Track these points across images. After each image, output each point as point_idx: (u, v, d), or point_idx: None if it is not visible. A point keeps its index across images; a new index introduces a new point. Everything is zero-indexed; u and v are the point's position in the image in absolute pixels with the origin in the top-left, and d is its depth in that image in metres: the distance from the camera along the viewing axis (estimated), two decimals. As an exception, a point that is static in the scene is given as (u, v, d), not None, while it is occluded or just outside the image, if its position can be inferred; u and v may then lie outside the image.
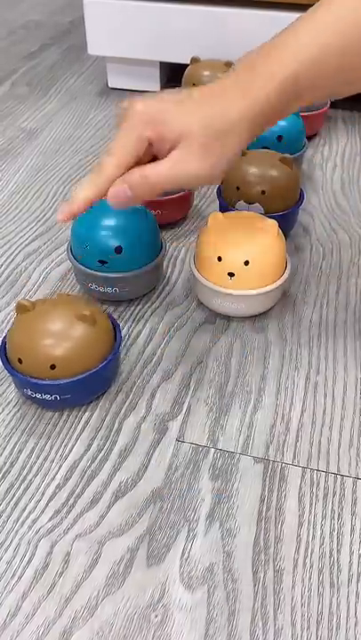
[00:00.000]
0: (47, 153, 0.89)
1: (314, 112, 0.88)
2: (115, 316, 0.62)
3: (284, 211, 0.67)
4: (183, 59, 0.93)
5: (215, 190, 0.72)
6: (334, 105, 0.98)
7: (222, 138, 0.45)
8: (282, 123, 0.76)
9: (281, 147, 0.76)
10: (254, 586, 0.42)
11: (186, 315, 0.63)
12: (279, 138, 0.75)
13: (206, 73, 0.89)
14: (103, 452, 0.50)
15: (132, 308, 0.63)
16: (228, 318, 0.62)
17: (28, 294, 0.65)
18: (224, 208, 0.69)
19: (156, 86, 1.04)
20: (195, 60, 0.91)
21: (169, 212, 0.72)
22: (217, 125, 0.44)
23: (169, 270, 0.68)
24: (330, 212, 0.77)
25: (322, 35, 0.44)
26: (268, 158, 0.68)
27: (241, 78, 0.45)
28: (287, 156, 0.67)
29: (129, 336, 0.60)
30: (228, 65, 0.89)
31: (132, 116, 0.45)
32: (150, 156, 0.46)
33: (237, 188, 0.67)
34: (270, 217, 0.60)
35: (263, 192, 0.66)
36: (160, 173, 0.45)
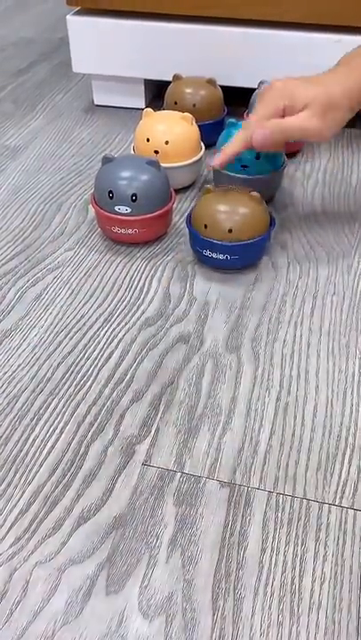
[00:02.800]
0: (29, 171, 0.89)
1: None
2: (89, 335, 0.62)
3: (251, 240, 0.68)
4: (167, 76, 0.93)
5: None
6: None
7: (333, 108, 0.65)
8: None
9: (259, 164, 0.76)
10: (213, 615, 0.42)
11: (159, 334, 0.63)
12: (257, 156, 0.75)
13: (188, 90, 0.89)
14: (68, 477, 0.50)
15: (107, 327, 0.63)
16: (201, 339, 0.62)
17: (1, 314, 0.65)
18: (194, 235, 0.69)
19: (142, 103, 1.04)
20: (177, 78, 0.91)
21: (147, 230, 0.72)
22: (329, 100, 0.64)
23: (145, 289, 0.68)
24: (309, 229, 0.77)
25: None
26: (237, 196, 0.68)
27: (341, 69, 0.67)
28: (255, 194, 0.67)
29: (101, 357, 0.60)
30: (210, 82, 0.90)
31: (273, 89, 0.66)
32: None
33: (205, 226, 0.68)
34: (236, 245, 0.67)
35: (230, 230, 0.66)
36: (291, 123, 0.65)
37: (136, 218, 0.70)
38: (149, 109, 0.81)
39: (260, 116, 0.66)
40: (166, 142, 0.78)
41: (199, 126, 0.82)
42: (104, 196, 0.70)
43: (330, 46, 0.87)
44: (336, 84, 0.65)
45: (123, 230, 0.72)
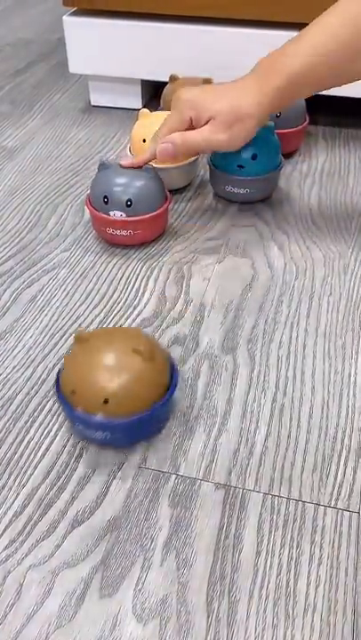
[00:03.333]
0: (26, 172, 0.89)
1: (293, 129, 0.88)
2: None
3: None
4: (164, 76, 0.93)
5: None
6: (315, 121, 0.98)
7: (242, 119, 0.65)
8: (257, 140, 0.76)
9: (256, 165, 0.75)
10: (208, 617, 0.42)
11: (155, 335, 0.62)
12: (254, 156, 0.75)
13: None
14: (62, 479, 0.50)
15: (103, 327, 0.63)
16: (197, 341, 0.62)
17: (-3, 316, 0.65)
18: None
19: (139, 104, 1.04)
20: (173, 78, 0.91)
21: (141, 231, 0.72)
22: (238, 110, 0.64)
23: (141, 290, 0.68)
24: (305, 230, 0.77)
25: (316, 46, 0.63)
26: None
27: (257, 78, 0.65)
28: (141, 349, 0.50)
29: (96, 358, 0.60)
30: (207, 82, 0.89)
31: (181, 101, 0.67)
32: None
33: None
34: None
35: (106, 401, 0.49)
36: (195, 137, 0.66)
37: (131, 219, 0.70)
38: (145, 110, 0.81)
39: (167, 129, 0.68)
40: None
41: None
42: (99, 200, 0.70)
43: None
44: (246, 95, 0.64)
45: (117, 232, 0.71)
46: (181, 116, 0.67)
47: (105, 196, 0.70)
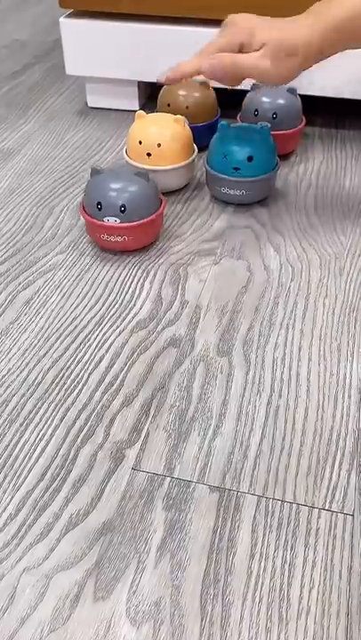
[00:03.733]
0: (22, 174, 0.89)
1: (290, 130, 0.88)
2: (80, 338, 0.62)
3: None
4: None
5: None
6: (311, 123, 0.98)
7: (288, 54, 0.64)
8: (253, 142, 0.76)
9: (251, 166, 0.75)
10: (201, 620, 0.42)
11: (151, 338, 0.63)
12: (250, 158, 0.75)
13: (181, 92, 0.89)
14: (57, 482, 0.50)
15: (98, 331, 0.63)
16: (192, 342, 0.62)
17: (-8, 319, 0.65)
18: None
19: (135, 105, 1.04)
20: None
21: (135, 237, 0.72)
22: (289, 43, 0.64)
23: (136, 292, 0.68)
24: (301, 232, 0.77)
25: None
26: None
27: (308, 19, 0.64)
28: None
29: (91, 361, 0.60)
30: (203, 84, 0.89)
31: (235, 24, 0.67)
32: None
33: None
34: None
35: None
36: (243, 59, 0.65)
37: (125, 225, 0.70)
38: (142, 112, 0.81)
39: (217, 47, 0.66)
40: (158, 145, 0.78)
41: (192, 128, 0.82)
42: (93, 207, 0.70)
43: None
44: (296, 32, 0.64)
45: (112, 238, 0.71)
46: (233, 38, 0.66)
47: (98, 202, 0.70)
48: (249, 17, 0.67)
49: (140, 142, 0.79)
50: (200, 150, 0.83)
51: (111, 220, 0.70)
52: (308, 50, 0.64)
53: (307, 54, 0.64)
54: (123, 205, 0.69)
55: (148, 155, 0.79)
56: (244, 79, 0.69)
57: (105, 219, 0.70)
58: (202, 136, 0.83)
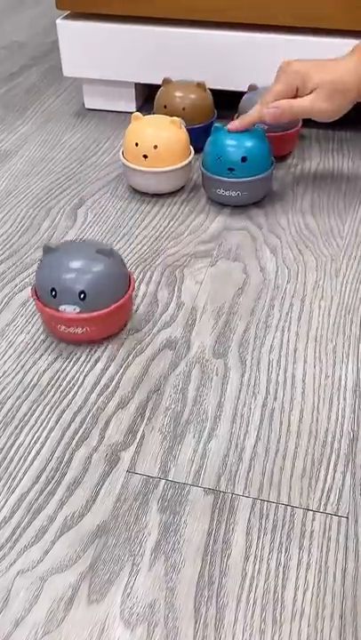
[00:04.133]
0: (19, 175, 0.89)
1: (287, 131, 0.88)
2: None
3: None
4: (157, 79, 0.93)
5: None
6: (308, 124, 0.98)
7: (343, 91, 0.72)
8: (247, 144, 0.76)
9: (246, 167, 0.75)
10: (195, 623, 0.42)
11: (146, 340, 0.63)
12: (243, 159, 0.75)
13: (178, 94, 0.89)
14: (52, 484, 0.50)
15: (93, 334, 0.63)
16: (188, 345, 0.62)
17: (-12, 321, 0.65)
18: None
19: (132, 107, 1.04)
20: (167, 82, 0.91)
21: (98, 328, 0.60)
22: (340, 82, 0.72)
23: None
24: (298, 234, 0.77)
25: None
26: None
27: (356, 56, 0.73)
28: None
29: (87, 363, 0.60)
30: (200, 85, 0.90)
31: (289, 71, 0.74)
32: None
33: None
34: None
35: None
36: (299, 104, 0.74)
37: (85, 316, 0.58)
38: (138, 114, 0.81)
39: (274, 95, 0.74)
40: (155, 147, 0.78)
41: (189, 130, 0.82)
42: (46, 293, 0.58)
43: (319, 49, 0.87)
44: (347, 70, 0.72)
45: (70, 329, 0.59)
46: (288, 84, 0.74)
47: (52, 289, 0.58)
48: (302, 61, 0.74)
49: (137, 144, 0.79)
50: (197, 152, 0.83)
51: (69, 309, 0.58)
52: (358, 87, 0.72)
53: (358, 92, 0.73)
54: (82, 292, 0.57)
55: (145, 157, 0.79)
56: (302, 117, 0.80)
57: (61, 307, 0.58)
58: (198, 138, 0.83)
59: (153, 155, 0.78)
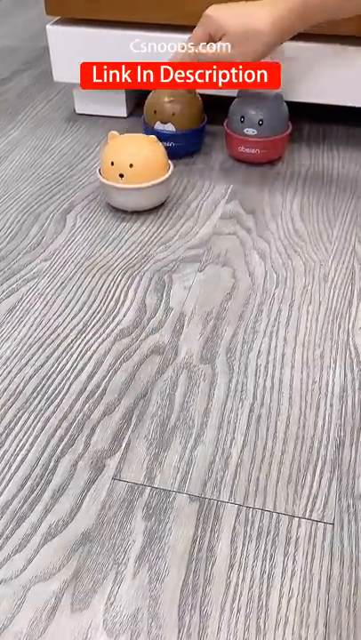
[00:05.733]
0: (8, 180, 0.89)
1: (277, 136, 0.88)
2: (63, 347, 0.62)
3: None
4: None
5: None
6: (299, 129, 0.98)
7: (251, 36, 0.74)
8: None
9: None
10: (179, 632, 0.41)
11: (134, 345, 0.62)
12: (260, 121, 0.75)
13: (167, 99, 0.89)
14: (36, 492, 0.49)
15: (80, 339, 0.63)
16: (176, 350, 0.62)
17: (-25, 327, 0.64)
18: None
19: (123, 112, 1.04)
20: None
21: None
22: (249, 28, 0.74)
23: (121, 300, 0.68)
24: (287, 238, 0.77)
25: None
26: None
27: (268, 3, 0.74)
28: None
29: (74, 369, 0.60)
30: (190, 91, 0.89)
31: (203, 17, 0.77)
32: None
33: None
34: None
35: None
36: (207, 53, 0.77)
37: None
38: (114, 132, 0.80)
39: (193, 37, 0.78)
40: (130, 165, 0.77)
41: (180, 135, 0.81)
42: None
43: (305, 54, 0.87)
44: (260, 15, 0.73)
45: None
46: (203, 30, 0.77)
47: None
48: (220, 7, 0.76)
49: (112, 163, 0.78)
50: (187, 156, 0.83)
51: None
52: (273, 31, 0.73)
53: (272, 34, 0.73)
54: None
55: (121, 176, 0.77)
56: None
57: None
58: (188, 142, 0.83)
59: (129, 174, 0.77)
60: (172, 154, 0.84)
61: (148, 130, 0.89)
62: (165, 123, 0.88)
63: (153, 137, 0.80)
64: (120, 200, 0.81)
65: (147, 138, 0.80)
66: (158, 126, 0.89)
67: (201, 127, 0.90)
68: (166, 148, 0.82)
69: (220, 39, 0.75)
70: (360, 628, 0.41)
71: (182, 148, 0.84)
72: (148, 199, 0.81)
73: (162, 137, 0.84)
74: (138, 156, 0.78)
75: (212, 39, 0.77)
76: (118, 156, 0.78)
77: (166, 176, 0.80)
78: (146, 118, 0.91)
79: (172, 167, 0.81)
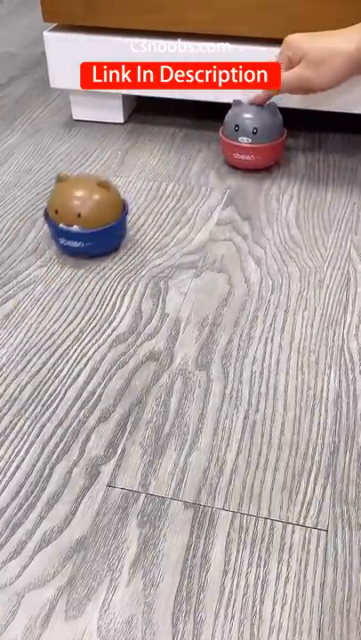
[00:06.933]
0: (5, 186, 0.89)
1: (272, 142, 0.88)
2: (58, 353, 0.62)
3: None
4: (144, 91, 0.93)
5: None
6: (294, 136, 0.98)
7: (332, 57, 0.73)
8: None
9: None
10: (173, 638, 0.41)
11: (130, 352, 0.63)
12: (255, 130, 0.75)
13: (76, 195, 0.71)
14: (31, 499, 0.49)
15: (76, 345, 0.63)
16: (171, 356, 0.62)
17: (-29, 333, 0.65)
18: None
19: (120, 117, 1.04)
20: (62, 178, 0.73)
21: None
22: (329, 49, 0.73)
23: (117, 306, 0.68)
24: (282, 245, 0.77)
25: None
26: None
27: (352, 30, 0.73)
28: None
29: (69, 376, 0.60)
30: (102, 185, 0.78)
31: (284, 44, 0.78)
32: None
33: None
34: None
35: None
36: (286, 76, 0.78)
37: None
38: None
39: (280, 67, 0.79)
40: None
41: (87, 234, 0.71)
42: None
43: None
44: (343, 38, 0.73)
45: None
46: (283, 57, 0.78)
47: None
48: (300, 35, 0.76)
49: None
50: (104, 255, 0.75)
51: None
52: (355, 53, 0.72)
53: (354, 56, 0.72)
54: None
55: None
56: (307, 91, 0.79)
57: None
58: (101, 242, 0.74)
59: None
60: (83, 254, 0.74)
61: (53, 226, 0.73)
62: (70, 225, 0.72)
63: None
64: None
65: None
66: (63, 226, 0.72)
67: (116, 223, 0.74)
68: (75, 248, 0.73)
69: (299, 61, 0.76)
70: (353, 635, 0.42)
71: (94, 247, 0.74)
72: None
73: (69, 236, 0.72)
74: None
75: (291, 63, 0.77)
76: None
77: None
78: (49, 214, 0.74)
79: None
